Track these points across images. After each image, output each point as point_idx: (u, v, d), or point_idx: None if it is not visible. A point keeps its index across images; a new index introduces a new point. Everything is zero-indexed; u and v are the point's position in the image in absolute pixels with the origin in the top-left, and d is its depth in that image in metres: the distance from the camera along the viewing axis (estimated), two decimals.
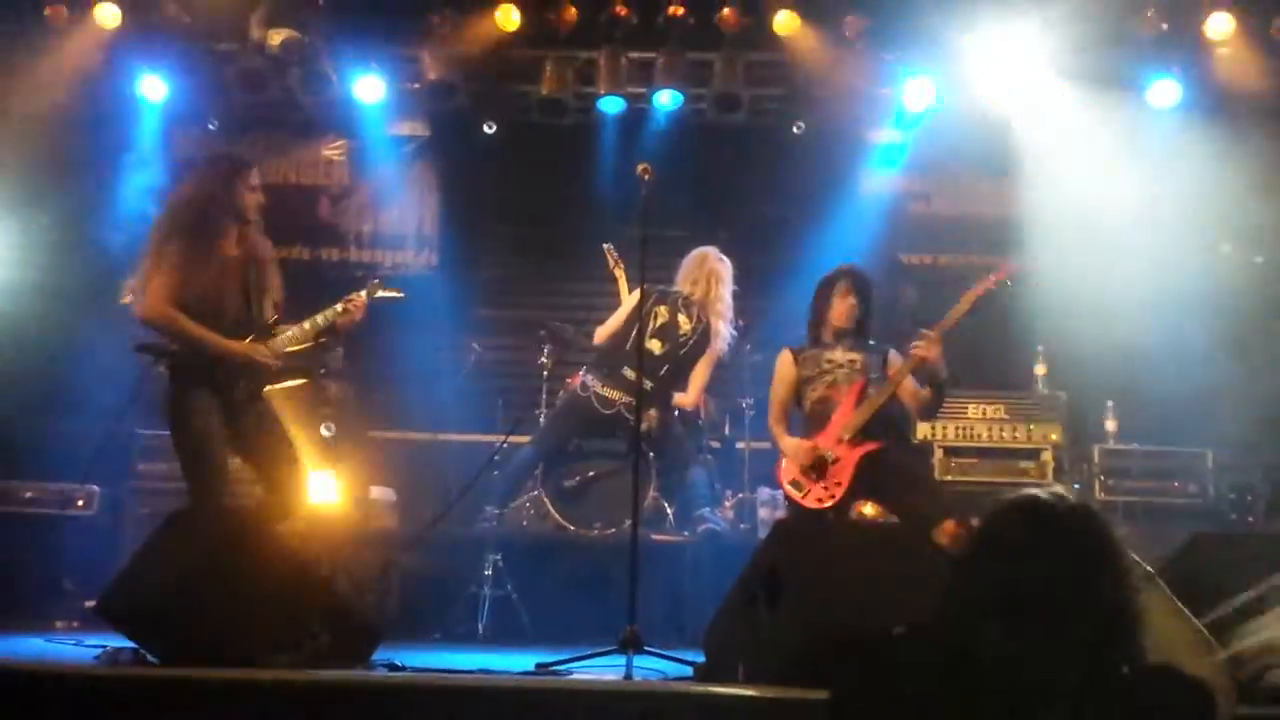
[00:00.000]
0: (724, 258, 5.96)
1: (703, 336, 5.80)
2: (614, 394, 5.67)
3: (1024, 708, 1.73)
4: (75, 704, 3.32)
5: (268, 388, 4.48)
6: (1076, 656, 1.77)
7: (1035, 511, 1.91)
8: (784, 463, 4.77)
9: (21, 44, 6.88)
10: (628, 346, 5.65)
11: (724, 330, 5.83)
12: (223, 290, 4.40)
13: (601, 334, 5.89)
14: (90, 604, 4.45)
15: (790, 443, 4.76)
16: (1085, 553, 1.84)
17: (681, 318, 5.79)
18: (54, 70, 6.92)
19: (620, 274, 6.23)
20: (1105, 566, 1.84)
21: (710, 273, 5.85)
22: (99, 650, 3.95)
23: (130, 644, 3.88)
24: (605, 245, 6.29)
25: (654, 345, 5.67)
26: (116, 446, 6.20)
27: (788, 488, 4.71)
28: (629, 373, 5.62)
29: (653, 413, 5.65)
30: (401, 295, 4.96)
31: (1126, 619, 1.84)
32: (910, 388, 4.71)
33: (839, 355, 4.80)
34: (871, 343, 4.88)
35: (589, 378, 5.76)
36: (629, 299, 5.92)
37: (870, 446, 4.58)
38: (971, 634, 1.81)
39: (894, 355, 4.83)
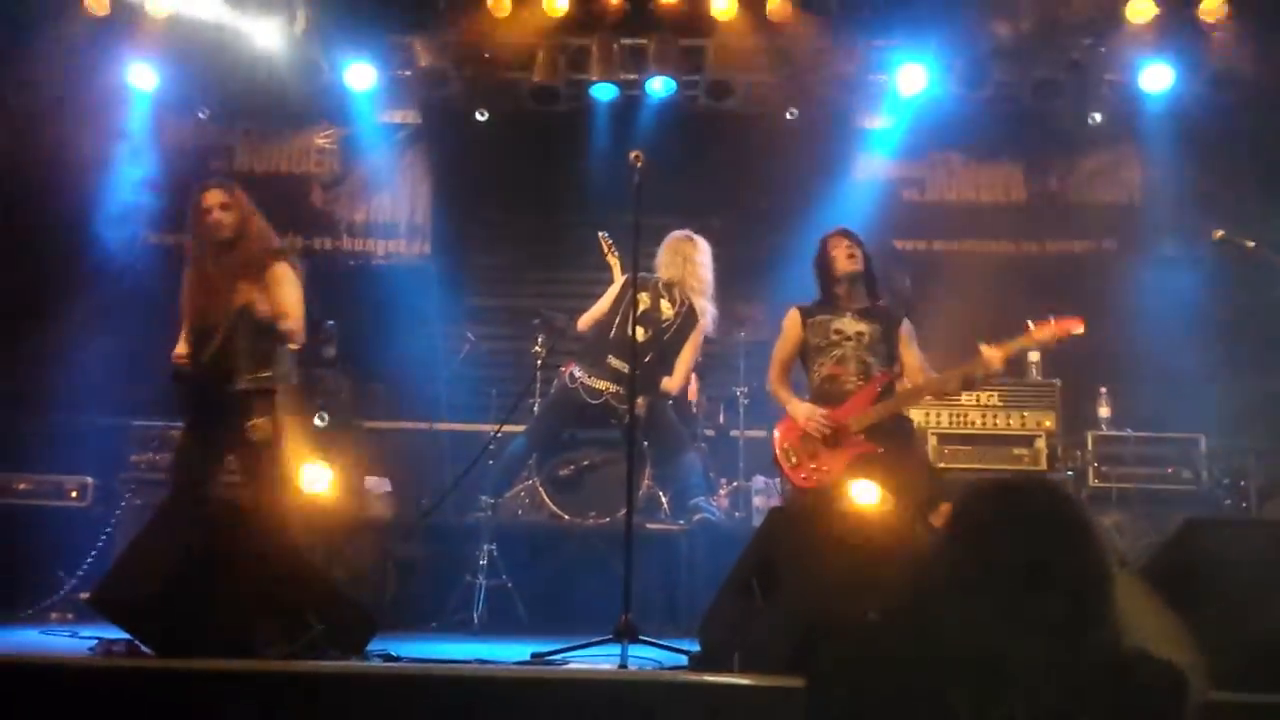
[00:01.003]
0: (695, 237, 5.93)
1: (686, 319, 5.77)
2: (601, 384, 5.66)
3: (989, 688, 1.73)
4: (70, 695, 3.31)
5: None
6: (1041, 636, 1.77)
7: (1002, 492, 1.93)
8: (782, 426, 4.70)
9: (9, 32, 6.82)
10: (612, 335, 5.65)
11: (707, 308, 5.80)
12: (202, 319, 4.40)
13: (585, 321, 5.86)
14: (85, 595, 4.45)
15: (803, 407, 4.64)
16: (1051, 532, 1.84)
17: (664, 303, 5.77)
18: (44, 59, 6.88)
19: (615, 262, 6.22)
20: (1072, 547, 1.84)
21: (684, 255, 5.84)
22: (94, 641, 3.94)
23: (125, 635, 3.88)
24: (601, 234, 6.28)
25: (638, 333, 5.66)
26: (110, 437, 6.21)
27: (779, 453, 4.67)
28: (615, 361, 5.62)
29: (641, 400, 5.65)
30: None
31: (1095, 601, 1.83)
32: (937, 378, 4.64)
33: (848, 324, 4.69)
34: (881, 307, 4.78)
35: (576, 369, 5.75)
36: (612, 287, 5.91)
37: (870, 449, 4.54)
38: (938, 615, 1.81)
39: (906, 328, 4.74)
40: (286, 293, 4.54)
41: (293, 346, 4.60)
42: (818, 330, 4.73)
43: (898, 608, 1.95)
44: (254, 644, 3.56)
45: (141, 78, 7.12)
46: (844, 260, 4.71)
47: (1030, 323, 4.54)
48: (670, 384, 5.81)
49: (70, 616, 4.82)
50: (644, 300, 5.72)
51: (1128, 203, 7.80)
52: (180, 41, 6.94)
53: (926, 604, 1.90)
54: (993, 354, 4.46)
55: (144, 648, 3.78)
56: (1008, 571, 1.82)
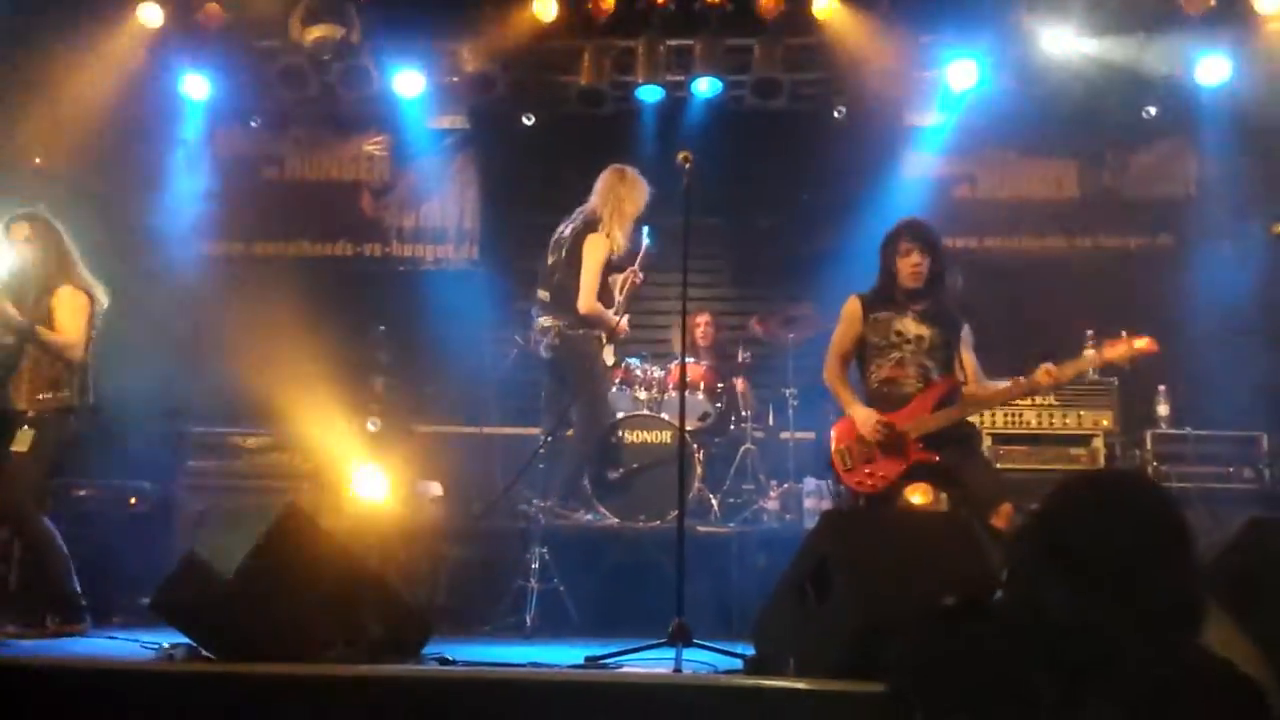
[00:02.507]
0: (621, 168, 5.96)
1: (577, 235, 5.80)
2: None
3: (1087, 677, 1.72)
4: (133, 700, 3.37)
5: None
6: (1141, 628, 1.76)
7: (1105, 486, 1.97)
8: (839, 427, 4.61)
9: (66, 46, 6.96)
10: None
11: (608, 223, 5.80)
12: None
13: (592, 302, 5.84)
14: (146, 601, 4.51)
15: (862, 411, 4.53)
16: (1155, 527, 1.86)
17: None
18: (99, 71, 7.02)
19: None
20: (1173, 542, 1.86)
21: (606, 184, 5.91)
22: (156, 647, 4.00)
23: (186, 640, 3.93)
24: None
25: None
26: (167, 444, 6.31)
27: (835, 454, 4.58)
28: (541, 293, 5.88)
29: (545, 321, 5.81)
30: None
31: (1191, 595, 1.84)
32: (999, 390, 4.56)
33: (909, 326, 4.57)
34: (944, 309, 4.65)
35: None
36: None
37: (928, 457, 4.44)
38: (1036, 606, 1.81)
39: (966, 332, 4.65)
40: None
41: None
42: (878, 328, 4.60)
43: (982, 600, 1.94)
44: (312, 648, 3.60)
45: (195, 88, 7.23)
46: (908, 276, 4.56)
47: (1090, 333, 4.46)
48: (579, 304, 5.76)
49: (132, 622, 4.89)
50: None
51: (1183, 197, 7.66)
52: (233, 51, 7.05)
53: (1020, 595, 1.90)
54: (1056, 374, 4.39)
55: (205, 652, 3.84)
56: (1110, 561, 1.82)
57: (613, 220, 5.84)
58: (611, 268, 5.96)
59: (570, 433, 5.90)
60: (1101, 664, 1.72)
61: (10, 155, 7.08)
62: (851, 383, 4.74)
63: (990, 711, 1.78)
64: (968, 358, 4.63)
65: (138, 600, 4.83)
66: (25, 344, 4.80)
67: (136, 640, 4.40)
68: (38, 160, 7.42)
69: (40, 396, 4.80)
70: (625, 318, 6.03)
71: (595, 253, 5.78)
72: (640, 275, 6.07)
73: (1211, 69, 6.81)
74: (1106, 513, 1.89)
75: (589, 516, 5.75)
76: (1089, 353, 4.49)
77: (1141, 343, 4.44)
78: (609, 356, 6.02)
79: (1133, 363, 4.48)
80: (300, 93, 7.26)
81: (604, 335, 5.93)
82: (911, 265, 4.54)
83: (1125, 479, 1.99)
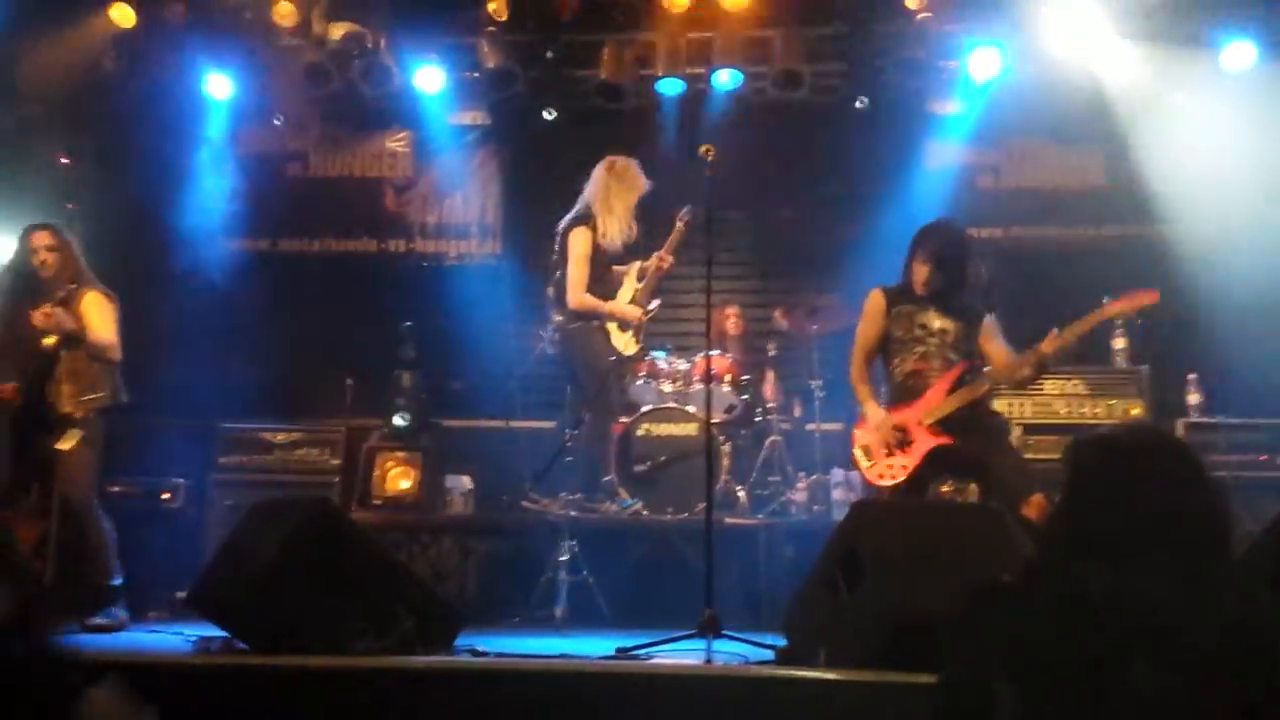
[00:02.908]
0: (610, 159, 6.05)
1: (565, 229, 5.93)
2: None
3: (1138, 645, 1.71)
4: (170, 692, 3.40)
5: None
6: (1172, 587, 1.76)
7: (1121, 453, 1.93)
8: (860, 427, 4.67)
9: (86, 43, 7.02)
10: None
11: (596, 212, 5.89)
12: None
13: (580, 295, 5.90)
14: (181, 595, 4.57)
15: (876, 413, 4.60)
16: (1175, 483, 1.85)
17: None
18: (119, 67, 7.08)
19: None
20: (1197, 495, 1.85)
21: (591, 179, 6.02)
22: (192, 640, 4.05)
23: (221, 632, 3.98)
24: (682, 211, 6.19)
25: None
26: (199, 440, 6.38)
27: (857, 452, 4.64)
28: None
29: (552, 318, 5.95)
30: None
31: (1222, 550, 1.84)
32: (1009, 362, 4.53)
33: (933, 320, 4.60)
34: (967, 301, 4.67)
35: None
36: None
37: (944, 440, 4.45)
38: (1079, 578, 1.81)
39: (989, 322, 4.64)
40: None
41: None
42: (901, 322, 4.64)
43: (1021, 579, 1.95)
44: (346, 640, 3.63)
45: (218, 87, 7.27)
46: (919, 284, 4.61)
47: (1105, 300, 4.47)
48: (569, 298, 5.86)
49: (168, 616, 4.95)
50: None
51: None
52: (256, 50, 7.09)
53: (1059, 568, 1.91)
54: (1058, 338, 4.35)
55: (240, 644, 3.89)
56: (1140, 524, 1.82)
57: (601, 211, 5.92)
58: (609, 258, 6.00)
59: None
60: (1154, 632, 1.71)
61: (36, 153, 7.15)
62: (876, 376, 4.77)
63: (1057, 680, 1.77)
64: (995, 345, 4.61)
65: (173, 594, 4.90)
66: (61, 349, 4.89)
67: (173, 633, 4.46)
68: (64, 160, 7.51)
69: (83, 398, 4.94)
70: (655, 303, 6.08)
71: (578, 245, 5.87)
72: (669, 259, 6.08)
73: (1237, 54, 6.74)
74: (1127, 484, 1.87)
75: (615, 507, 5.75)
76: (1090, 316, 4.42)
77: (1141, 296, 4.44)
78: (627, 347, 6.02)
79: (1140, 313, 4.49)
80: (323, 90, 7.29)
81: (613, 326, 5.95)
82: (923, 276, 4.60)
83: (1139, 441, 1.97)
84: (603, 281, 5.98)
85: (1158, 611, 1.73)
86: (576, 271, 5.85)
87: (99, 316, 5.01)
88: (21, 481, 5.07)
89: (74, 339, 4.89)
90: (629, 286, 6.11)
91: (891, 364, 4.67)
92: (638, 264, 6.16)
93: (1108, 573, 1.79)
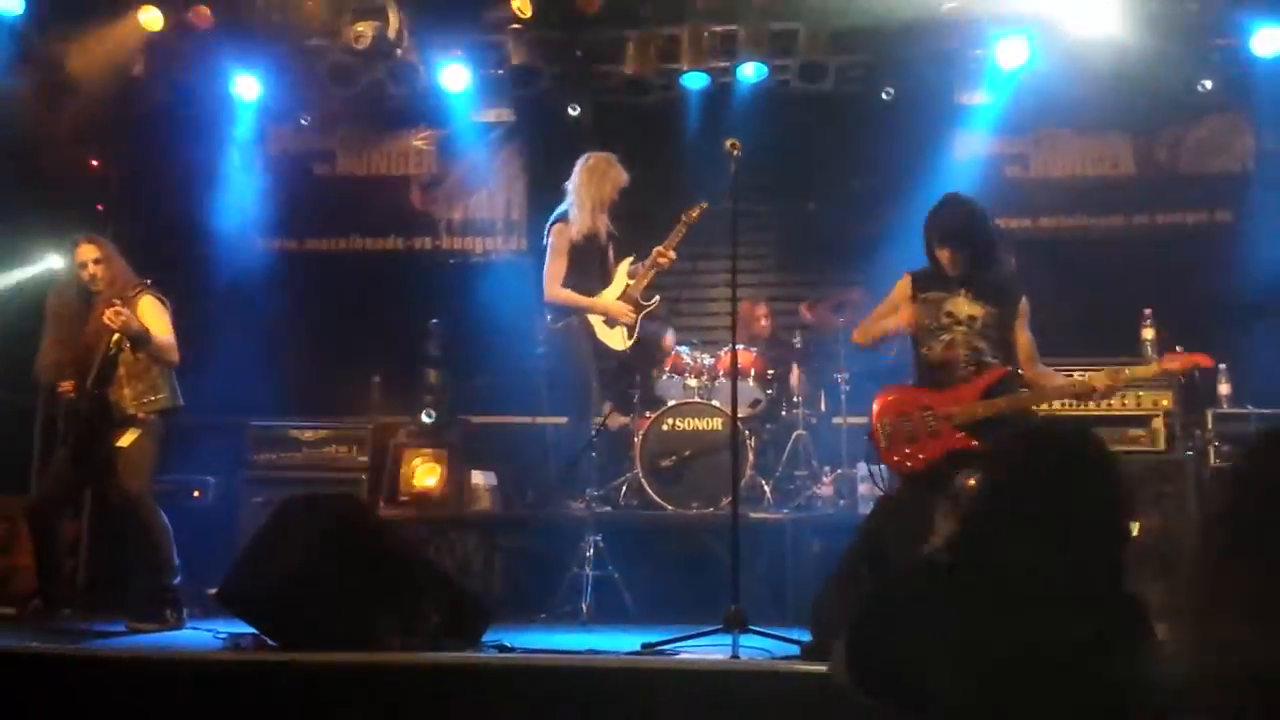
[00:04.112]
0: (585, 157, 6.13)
1: (547, 227, 6.02)
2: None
3: (1028, 620, 1.79)
4: (200, 688, 3.45)
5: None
6: (1069, 571, 1.84)
7: (1024, 437, 2.15)
8: (881, 401, 4.48)
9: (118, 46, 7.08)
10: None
11: (568, 207, 5.99)
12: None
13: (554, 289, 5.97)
14: (211, 592, 4.62)
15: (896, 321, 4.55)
16: (1081, 472, 1.96)
17: None
18: (148, 70, 7.14)
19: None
20: (1084, 493, 1.94)
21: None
22: (222, 636, 4.09)
23: (250, 629, 4.02)
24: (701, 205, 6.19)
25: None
26: (228, 438, 6.44)
27: (876, 427, 4.44)
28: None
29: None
30: None
31: (1109, 547, 1.93)
32: (1053, 387, 4.48)
33: (961, 306, 4.45)
34: (999, 283, 4.54)
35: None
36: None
37: (968, 443, 4.31)
38: (991, 553, 1.91)
39: (1024, 306, 4.52)
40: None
41: None
42: (929, 309, 4.50)
43: (954, 550, 2.05)
44: (375, 636, 3.66)
45: (246, 88, 7.33)
46: (948, 267, 4.48)
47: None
48: (545, 293, 5.97)
49: (198, 613, 5.00)
50: None
51: (1240, 171, 7.50)
52: (282, 51, 7.14)
53: (977, 541, 2.02)
54: (1114, 378, 4.34)
55: (269, 641, 3.92)
56: (1032, 513, 1.91)
57: (575, 205, 6.02)
58: (598, 252, 6.04)
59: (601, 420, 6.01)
60: (1059, 606, 1.78)
61: (66, 158, 7.23)
62: (901, 369, 4.70)
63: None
64: (1023, 337, 4.52)
65: (204, 591, 4.95)
66: (120, 350, 4.96)
67: (203, 630, 4.51)
68: (94, 163, 7.59)
69: (145, 400, 5.05)
70: (657, 298, 6.14)
71: (553, 240, 6.00)
72: (669, 254, 6.08)
73: (1268, 40, 6.65)
74: (1030, 464, 2.00)
75: (579, 506, 5.68)
76: (1146, 366, 4.48)
77: (1200, 357, 4.39)
78: (618, 342, 6.04)
79: (1189, 376, 4.46)
80: (349, 90, 7.32)
81: (597, 322, 6.01)
82: (947, 259, 4.47)
83: (1041, 431, 2.26)
84: (590, 276, 6.02)
85: (1061, 589, 1.82)
86: (551, 266, 5.96)
87: (156, 319, 5.11)
88: (80, 482, 5.20)
89: (139, 340, 4.94)
90: (619, 281, 6.12)
91: (918, 351, 4.57)
92: (629, 259, 6.17)
93: (1015, 550, 1.89)
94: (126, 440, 4.96)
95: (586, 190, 6.03)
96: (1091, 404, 5.41)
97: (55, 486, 5.06)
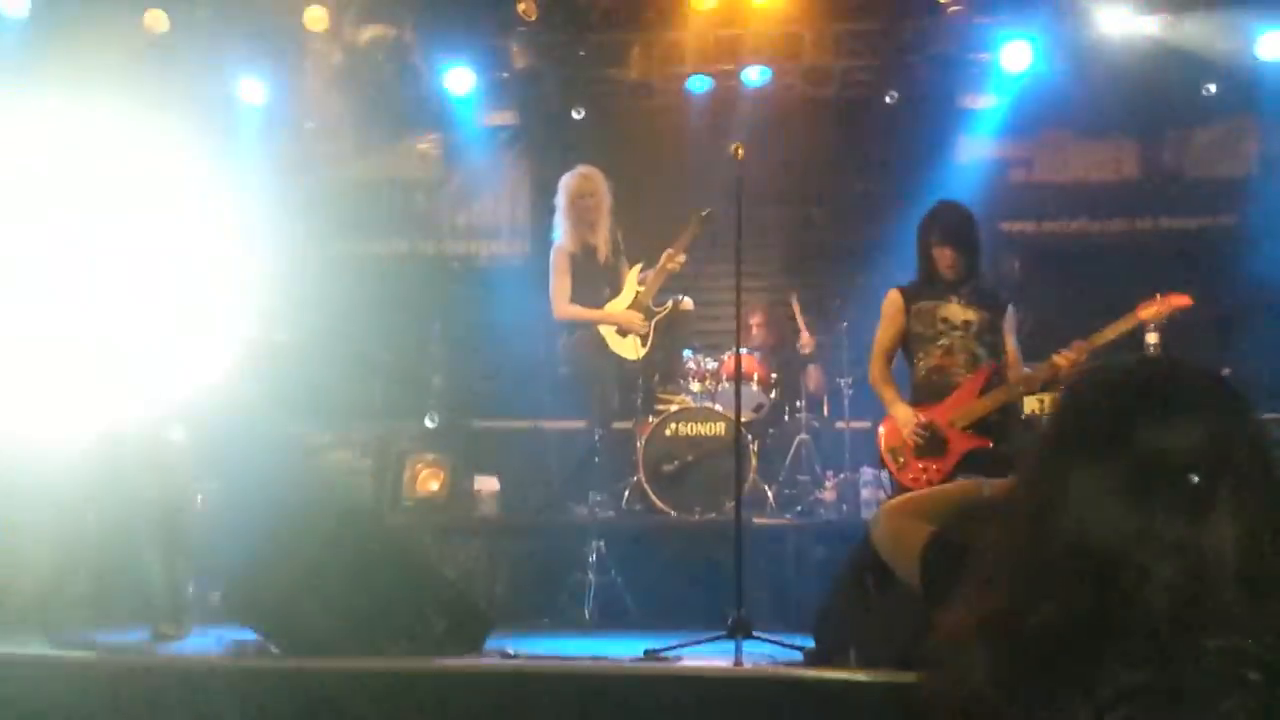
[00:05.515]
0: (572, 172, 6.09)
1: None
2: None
3: (1109, 570, 1.63)
4: (203, 695, 3.44)
5: None
6: (1159, 515, 1.67)
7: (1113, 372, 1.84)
8: (887, 425, 4.51)
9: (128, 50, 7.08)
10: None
11: (562, 227, 6.02)
12: None
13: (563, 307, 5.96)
14: (215, 596, 4.62)
15: (904, 411, 4.44)
16: (1164, 407, 1.76)
17: None
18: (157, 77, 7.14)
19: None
20: (1187, 420, 1.76)
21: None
22: (225, 642, 4.09)
23: (254, 635, 4.02)
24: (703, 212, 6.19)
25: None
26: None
27: (886, 455, 4.49)
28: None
29: None
30: None
31: (1210, 478, 1.72)
32: (1023, 376, 4.44)
33: (955, 312, 4.46)
34: (988, 293, 4.56)
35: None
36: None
37: (981, 443, 4.33)
38: (1051, 495, 1.74)
39: (1011, 314, 4.55)
40: None
41: None
42: (922, 318, 4.50)
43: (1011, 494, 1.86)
44: (377, 642, 3.66)
45: (252, 93, 7.33)
46: (945, 269, 4.48)
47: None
48: (554, 312, 5.97)
49: (202, 620, 4.99)
50: None
51: (1245, 176, 7.49)
52: (287, 55, 7.14)
53: (1040, 487, 1.79)
54: (1079, 346, 4.26)
55: (272, 648, 3.92)
56: (1120, 450, 1.71)
57: (558, 224, 6.05)
58: (581, 264, 5.99)
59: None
60: (1128, 557, 1.64)
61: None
62: (899, 373, 4.68)
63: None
64: (1009, 339, 4.53)
65: (208, 597, 4.95)
66: None
67: (206, 637, 4.51)
68: None
69: None
70: (670, 302, 6.09)
71: (552, 260, 6.00)
72: (678, 258, 6.06)
73: (1274, 44, 6.64)
74: (1112, 401, 1.80)
75: (582, 511, 5.70)
76: (1118, 322, 4.38)
77: (1173, 299, 4.38)
78: (631, 352, 6.00)
79: (1171, 317, 4.43)
80: (354, 93, 7.34)
81: (609, 332, 5.97)
82: (947, 262, 4.46)
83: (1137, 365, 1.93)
84: (598, 287, 5.99)
85: (1138, 545, 1.64)
86: (555, 285, 5.95)
87: None
88: None
89: None
90: (629, 290, 6.09)
91: (915, 361, 4.56)
92: (638, 266, 6.14)
93: (1089, 501, 1.70)
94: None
95: (562, 209, 6.05)
96: None
97: None
